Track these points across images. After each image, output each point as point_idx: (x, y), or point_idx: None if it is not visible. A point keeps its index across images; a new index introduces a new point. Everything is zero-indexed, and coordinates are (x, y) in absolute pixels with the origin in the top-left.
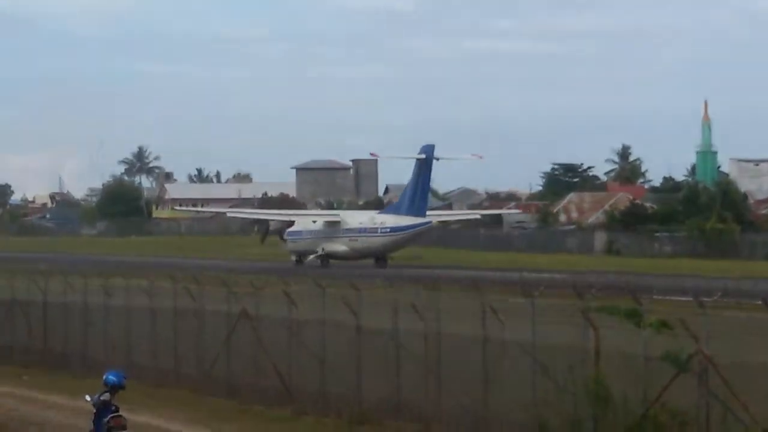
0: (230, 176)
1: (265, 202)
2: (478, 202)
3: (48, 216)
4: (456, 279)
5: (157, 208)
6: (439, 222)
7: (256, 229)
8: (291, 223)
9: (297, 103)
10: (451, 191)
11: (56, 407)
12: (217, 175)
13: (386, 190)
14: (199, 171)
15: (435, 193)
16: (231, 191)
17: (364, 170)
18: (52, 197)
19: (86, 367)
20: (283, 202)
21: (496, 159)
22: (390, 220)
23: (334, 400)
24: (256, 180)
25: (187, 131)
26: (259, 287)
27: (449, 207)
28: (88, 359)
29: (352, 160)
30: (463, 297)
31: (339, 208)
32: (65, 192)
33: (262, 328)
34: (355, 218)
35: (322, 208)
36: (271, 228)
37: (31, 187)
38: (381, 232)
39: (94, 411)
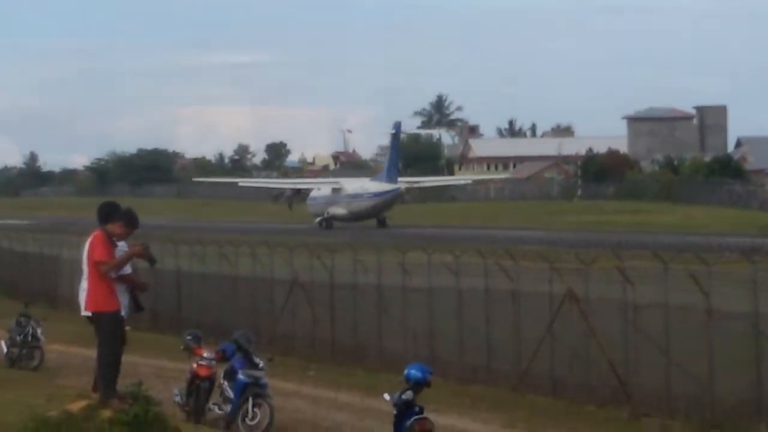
0: (548, 129)
1: (590, 159)
2: None
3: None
4: None
5: (460, 169)
6: (407, 187)
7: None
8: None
9: (628, 39)
10: None
11: (348, 408)
12: (532, 128)
13: (738, 144)
14: (511, 123)
15: None
16: (549, 147)
17: (710, 120)
18: (335, 157)
19: (382, 360)
20: (611, 158)
21: None
22: (373, 186)
23: (680, 400)
24: (578, 134)
25: (495, 76)
26: (587, 262)
27: None
28: (384, 351)
29: (696, 108)
30: None
31: (680, 165)
32: (350, 151)
33: (591, 313)
34: (352, 185)
35: (660, 166)
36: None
37: (311, 145)
38: (366, 197)
39: (395, 412)
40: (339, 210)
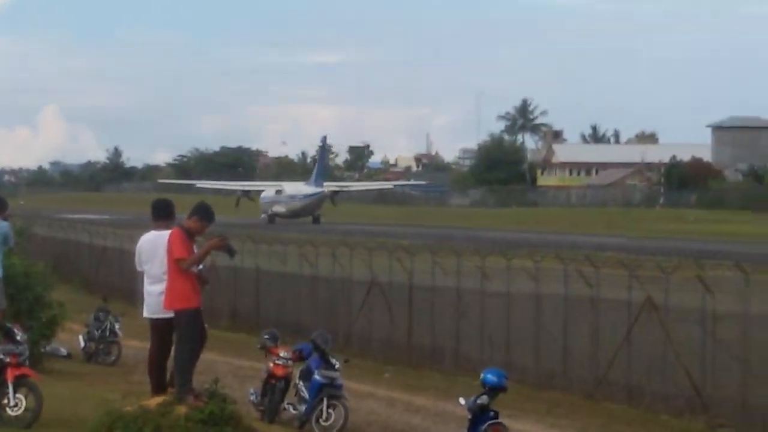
0: (632, 136)
1: (674, 167)
2: None
3: (412, 182)
4: None
5: (542, 174)
6: (331, 191)
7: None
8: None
9: (722, 45)
10: None
11: (423, 411)
12: (616, 134)
13: None
14: (594, 129)
15: None
16: (633, 154)
17: None
18: (417, 159)
19: (457, 364)
20: (694, 166)
21: None
22: (305, 189)
23: (757, 411)
24: (662, 141)
25: (580, 81)
26: (668, 271)
27: None
28: (460, 355)
29: None
30: None
31: (765, 175)
32: (433, 153)
33: (670, 322)
34: (290, 188)
35: (744, 175)
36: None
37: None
38: (298, 199)
39: (470, 417)
40: (280, 208)
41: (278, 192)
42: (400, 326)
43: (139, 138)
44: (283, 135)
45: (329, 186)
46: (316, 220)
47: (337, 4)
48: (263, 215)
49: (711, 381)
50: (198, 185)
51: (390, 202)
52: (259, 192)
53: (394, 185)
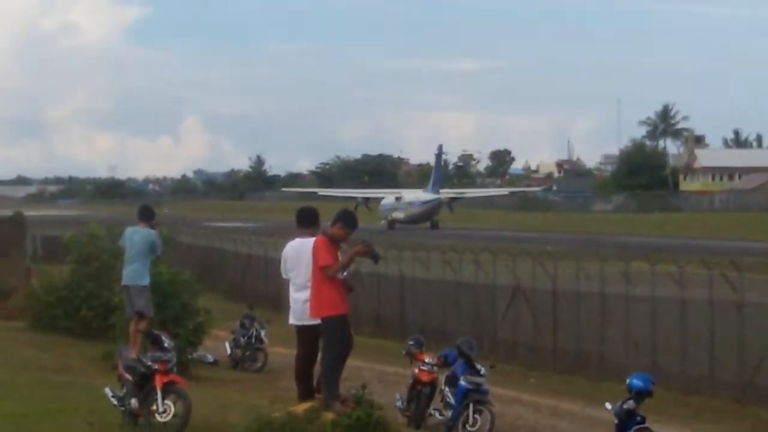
0: None
1: None
2: None
3: (554, 188)
4: None
5: (685, 179)
6: (448, 197)
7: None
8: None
9: None
10: None
11: (569, 416)
12: (758, 138)
13: None
14: (737, 133)
15: None
16: None
17: None
18: (559, 165)
19: (602, 369)
20: None
21: None
22: (423, 196)
23: None
24: None
25: (723, 85)
26: None
27: None
28: (605, 360)
29: None
30: None
31: None
32: (575, 159)
33: None
34: (409, 195)
35: None
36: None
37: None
38: (416, 205)
39: (616, 422)
40: (399, 215)
41: (398, 199)
42: (544, 332)
43: (281, 146)
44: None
45: (446, 193)
46: (434, 226)
47: (479, 11)
48: (383, 221)
49: None
50: (320, 193)
51: (532, 209)
52: (379, 199)
53: (510, 192)
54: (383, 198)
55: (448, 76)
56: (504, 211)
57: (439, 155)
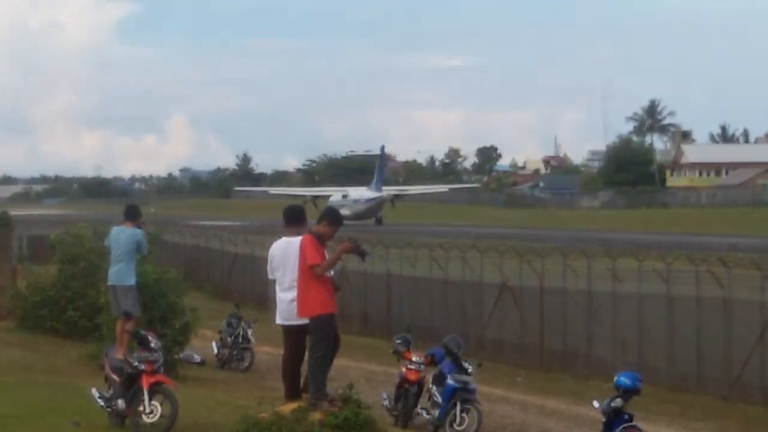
0: (761, 135)
1: None
2: None
3: (541, 184)
4: None
5: (672, 175)
6: (392, 195)
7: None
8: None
9: None
10: None
11: (556, 414)
12: (745, 133)
13: None
14: (723, 129)
15: None
16: (763, 153)
17: None
18: (545, 162)
19: (589, 367)
20: None
21: None
22: (367, 194)
23: None
24: None
25: (710, 81)
26: None
27: None
28: (593, 358)
29: None
30: None
31: None
32: (561, 155)
33: None
34: (354, 193)
35: None
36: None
37: (521, 150)
38: (361, 203)
39: (604, 420)
40: (345, 211)
41: (344, 197)
42: (531, 329)
43: (267, 144)
44: (408, 139)
45: (388, 191)
46: (379, 222)
47: (463, 7)
48: None
49: None
50: (271, 191)
51: (519, 206)
52: (327, 197)
53: (449, 188)
54: (331, 196)
55: (435, 73)
56: (491, 208)
57: (381, 156)
